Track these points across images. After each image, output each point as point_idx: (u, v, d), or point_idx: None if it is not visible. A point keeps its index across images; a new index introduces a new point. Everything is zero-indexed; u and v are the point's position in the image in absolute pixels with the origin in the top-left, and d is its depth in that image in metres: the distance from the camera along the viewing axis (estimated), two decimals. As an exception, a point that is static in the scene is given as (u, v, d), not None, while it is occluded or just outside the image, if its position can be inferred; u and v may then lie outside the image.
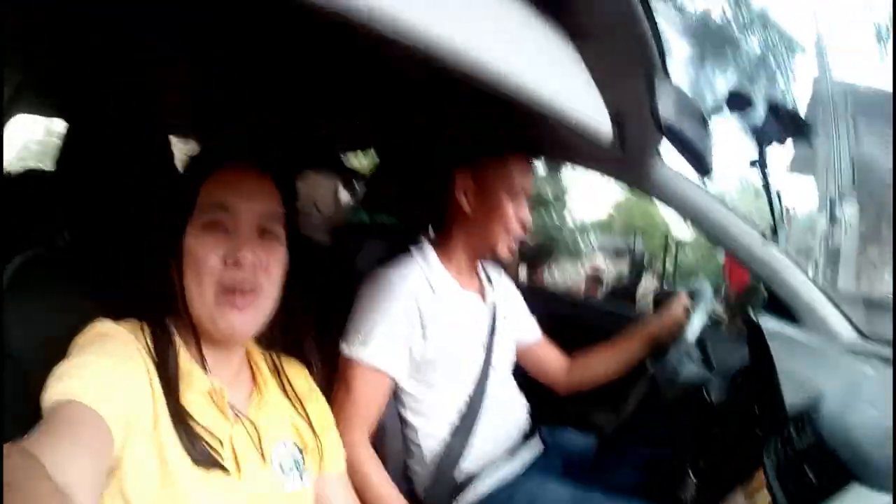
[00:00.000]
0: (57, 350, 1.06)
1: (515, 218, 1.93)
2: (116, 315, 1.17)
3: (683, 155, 1.67)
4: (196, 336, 1.22)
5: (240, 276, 1.18)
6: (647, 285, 10.13)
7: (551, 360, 2.33)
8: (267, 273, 1.22)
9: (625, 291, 8.94)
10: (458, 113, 1.64)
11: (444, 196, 1.98)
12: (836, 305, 2.34)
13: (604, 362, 2.25)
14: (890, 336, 2.30)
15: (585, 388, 2.29)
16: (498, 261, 2.07)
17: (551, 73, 1.00)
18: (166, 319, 1.22)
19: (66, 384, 0.98)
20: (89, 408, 0.96)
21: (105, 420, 0.97)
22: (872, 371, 1.81)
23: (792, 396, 1.59)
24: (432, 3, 0.78)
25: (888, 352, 2.10)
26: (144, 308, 1.21)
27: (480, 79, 0.86)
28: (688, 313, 1.93)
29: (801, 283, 2.33)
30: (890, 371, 1.84)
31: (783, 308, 2.34)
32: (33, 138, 16.93)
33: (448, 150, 2.02)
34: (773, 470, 1.36)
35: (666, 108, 1.30)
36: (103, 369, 1.03)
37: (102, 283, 1.27)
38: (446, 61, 0.80)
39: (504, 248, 1.96)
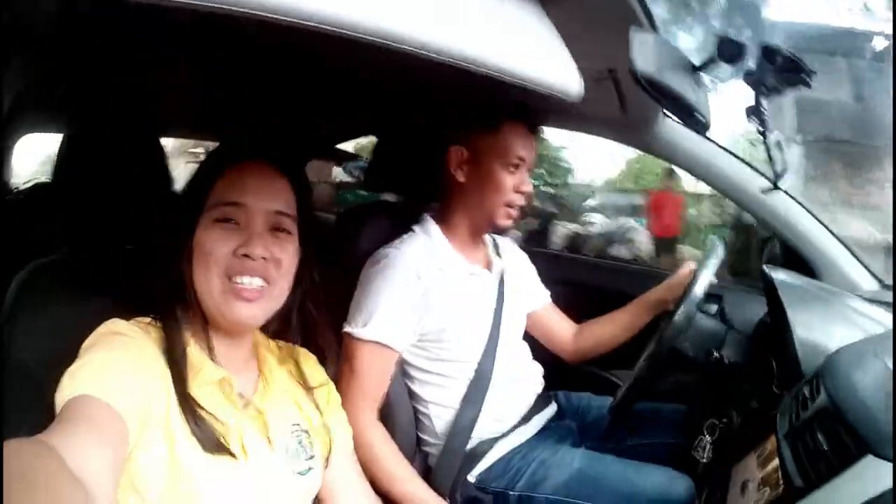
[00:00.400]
0: (67, 354, 1.07)
1: (512, 187, 1.91)
2: (127, 315, 1.18)
3: (671, 110, 1.61)
4: (205, 327, 1.25)
5: (248, 267, 1.20)
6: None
7: (558, 326, 2.34)
8: (278, 267, 1.24)
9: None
10: (447, 87, 1.60)
11: (442, 172, 1.97)
12: (854, 255, 2.27)
13: (609, 328, 2.26)
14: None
15: (593, 356, 2.30)
16: (500, 231, 2.04)
17: (495, 36, 0.96)
18: (177, 312, 1.23)
19: (79, 381, 0.99)
20: (103, 402, 0.98)
21: (119, 413, 0.98)
22: (892, 321, 1.74)
23: (807, 354, 1.55)
24: None
25: None
26: (155, 302, 1.23)
27: (414, 53, 0.83)
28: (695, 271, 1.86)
29: (818, 233, 2.26)
30: None
31: (801, 260, 2.29)
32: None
33: (441, 126, 2.00)
34: (785, 433, 1.31)
35: (645, 61, 1.22)
36: (116, 365, 1.05)
37: (111, 283, 1.29)
38: (376, 42, 0.79)
39: (503, 218, 1.94)
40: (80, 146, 1.65)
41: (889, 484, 0.97)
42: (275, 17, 0.69)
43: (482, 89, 1.16)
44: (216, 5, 0.66)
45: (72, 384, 0.99)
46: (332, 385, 1.50)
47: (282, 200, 1.26)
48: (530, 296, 2.30)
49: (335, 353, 1.54)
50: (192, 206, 1.22)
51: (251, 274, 1.20)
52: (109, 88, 1.97)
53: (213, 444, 1.14)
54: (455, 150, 1.94)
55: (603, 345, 2.26)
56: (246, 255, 1.19)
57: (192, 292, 1.22)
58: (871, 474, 1.01)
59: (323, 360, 1.50)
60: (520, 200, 1.94)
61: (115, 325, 1.14)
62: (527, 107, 1.92)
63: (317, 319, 1.43)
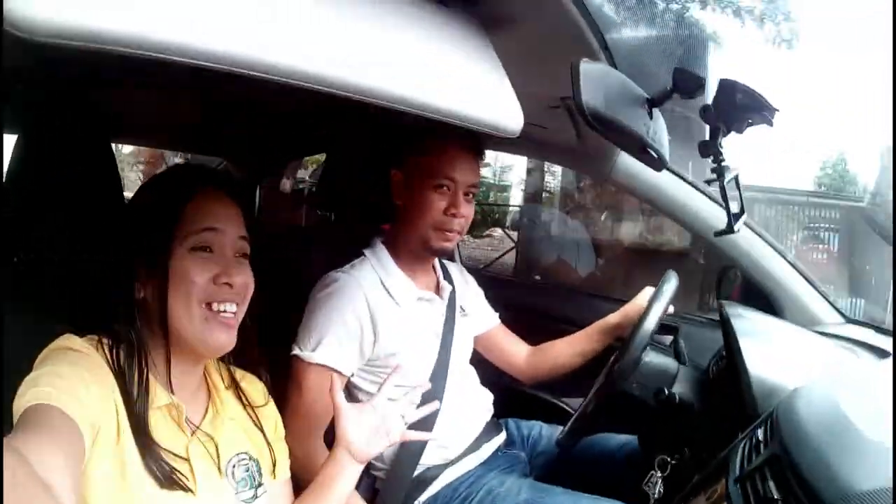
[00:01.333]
0: (15, 365, 1.07)
1: (440, 209, 1.88)
2: (79, 331, 1.19)
3: (621, 146, 1.57)
4: (167, 352, 1.25)
5: (228, 294, 1.24)
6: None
7: (510, 347, 2.34)
8: (246, 291, 1.29)
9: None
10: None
11: (386, 194, 1.97)
12: (817, 288, 2.26)
13: (564, 351, 2.24)
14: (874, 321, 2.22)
15: (548, 378, 2.29)
16: (437, 253, 2.00)
17: (430, 76, 0.98)
18: (134, 334, 1.22)
19: (39, 390, 1.00)
20: (63, 411, 0.99)
21: (76, 423, 0.99)
22: (856, 359, 1.73)
23: (762, 394, 1.54)
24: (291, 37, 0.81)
25: (876, 338, 2.00)
26: (110, 323, 1.22)
27: (345, 96, 0.86)
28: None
29: (779, 266, 2.25)
30: (877, 361, 1.77)
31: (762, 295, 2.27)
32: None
33: (384, 150, 2.00)
34: (735, 478, 1.27)
35: (590, 93, 1.18)
36: (73, 378, 1.05)
37: (63, 295, 1.31)
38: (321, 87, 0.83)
39: (437, 241, 1.91)
40: (32, 147, 1.63)
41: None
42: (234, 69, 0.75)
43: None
44: (199, 62, 0.72)
45: (30, 393, 1.00)
46: (276, 411, 1.51)
47: (242, 226, 1.30)
48: (480, 318, 2.29)
49: (266, 371, 1.53)
50: (163, 232, 1.22)
51: (231, 301, 1.24)
52: (64, 88, 1.94)
53: (165, 477, 1.15)
54: (395, 173, 1.94)
55: (558, 368, 2.25)
56: (227, 284, 1.23)
57: (163, 319, 1.22)
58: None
59: (262, 380, 1.51)
60: (449, 223, 1.89)
61: (69, 340, 1.15)
62: (460, 129, 1.89)
63: (250, 339, 1.42)
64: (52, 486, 0.83)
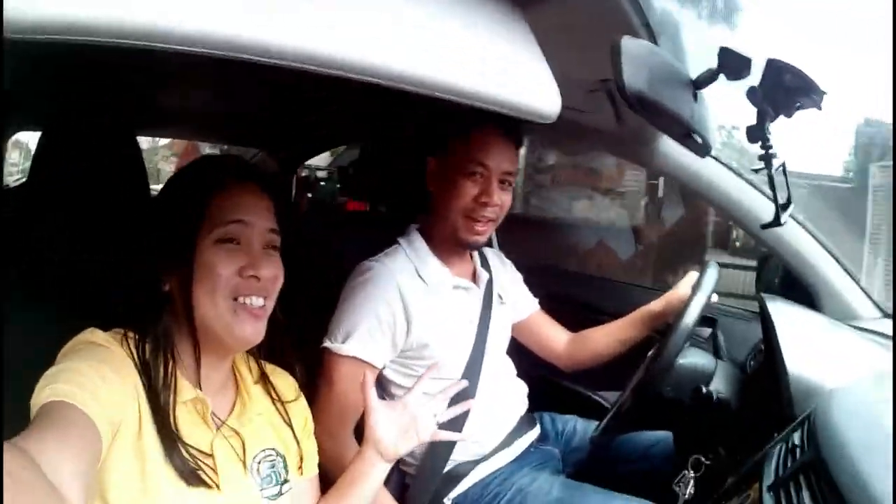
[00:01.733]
0: (40, 361, 1.07)
1: (470, 196, 1.84)
2: (104, 325, 1.18)
3: (664, 130, 1.51)
4: (195, 346, 1.25)
5: (255, 287, 1.23)
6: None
7: (550, 333, 2.30)
8: (275, 284, 1.28)
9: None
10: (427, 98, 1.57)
11: (422, 182, 1.94)
12: (857, 281, 2.19)
13: (604, 339, 2.20)
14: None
15: (588, 366, 2.25)
16: (468, 246, 1.97)
17: (468, 63, 0.94)
18: (160, 329, 1.22)
19: (56, 387, 0.99)
20: (79, 409, 0.98)
21: (94, 421, 0.98)
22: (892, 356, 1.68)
23: (800, 394, 1.51)
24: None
25: None
26: (137, 318, 1.22)
27: (382, 83, 0.84)
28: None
29: (820, 258, 2.17)
30: None
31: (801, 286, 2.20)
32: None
33: (421, 137, 1.99)
34: (770, 484, 1.24)
35: (634, 75, 1.12)
36: (92, 374, 1.04)
37: (88, 291, 1.31)
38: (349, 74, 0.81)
39: (465, 232, 1.88)
40: (56, 142, 1.64)
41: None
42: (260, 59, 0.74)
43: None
44: (217, 53, 0.71)
45: (48, 389, 0.99)
46: (306, 406, 1.49)
47: (271, 218, 1.29)
48: (519, 305, 2.26)
49: (299, 366, 1.51)
50: (190, 224, 1.21)
51: (257, 294, 1.23)
52: (87, 84, 1.94)
53: (188, 473, 1.14)
54: (430, 161, 1.92)
55: (598, 356, 2.21)
56: (253, 277, 1.22)
57: (189, 312, 1.21)
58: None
59: (294, 376, 1.50)
60: (480, 211, 1.85)
61: (92, 334, 1.14)
62: (495, 114, 1.86)
63: (283, 334, 1.41)
64: (60, 489, 0.83)
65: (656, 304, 2.11)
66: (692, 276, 2.05)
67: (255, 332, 1.23)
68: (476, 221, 1.86)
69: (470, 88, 0.92)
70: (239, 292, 1.21)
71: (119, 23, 0.65)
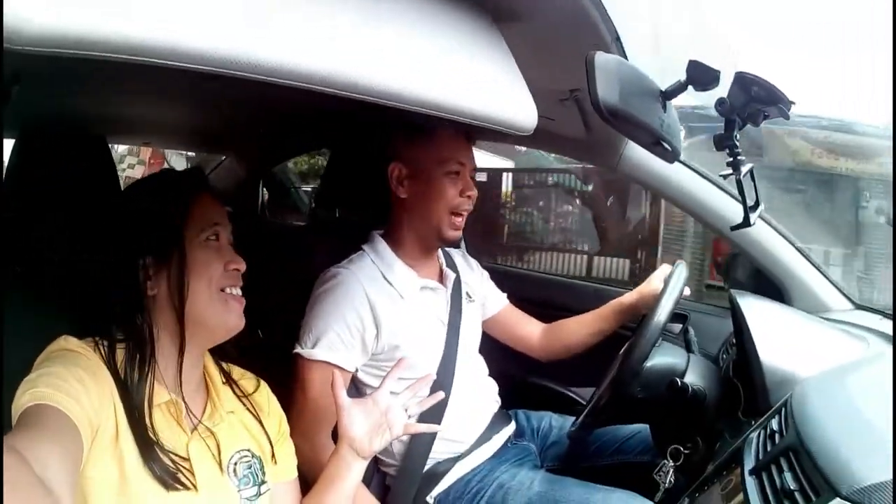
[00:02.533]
0: (16, 367, 1.07)
1: (455, 193, 1.91)
2: (78, 333, 1.20)
3: (634, 139, 1.56)
4: (180, 345, 1.27)
5: (237, 278, 1.33)
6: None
7: (522, 326, 2.34)
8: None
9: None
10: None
11: (385, 190, 1.97)
12: (825, 274, 2.25)
13: (577, 330, 2.24)
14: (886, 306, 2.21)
15: (562, 356, 2.28)
16: (448, 242, 2.02)
17: (446, 78, 0.97)
18: (143, 333, 1.25)
19: (38, 390, 1.01)
20: (61, 411, 0.99)
21: (75, 423, 1.00)
22: (867, 347, 1.73)
23: (775, 382, 1.54)
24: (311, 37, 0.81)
25: (884, 324, 2.00)
26: (119, 323, 1.24)
27: (370, 99, 0.87)
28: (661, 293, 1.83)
29: (787, 253, 2.23)
30: (887, 349, 1.75)
31: (771, 282, 2.26)
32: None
33: (381, 144, 1.99)
34: (751, 468, 1.28)
35: (606, 88, 1.18)
36: (70, 378, 1.06)
37: (65, 297, 1.33)
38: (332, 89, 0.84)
39: (448, 228, 1.93)
40: (30, 149, 1.65)
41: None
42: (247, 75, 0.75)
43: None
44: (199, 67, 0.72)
45: (29, 394, 1.00)
46: (279, 410, 1.51)
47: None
48: (488, 301, 2.30)
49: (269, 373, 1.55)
50: (174, 228, 1.27)
51: (238, 284, 1.33)
52: (60, 91, 1.95)
53: (166, 476, 1.16)
54: (394, 167, 1.93)
55: (572, 347, 2.25)
56: (236, 269, 1.32)
57: (181, 308, 1.25)
58: (840, 519, 0.97)
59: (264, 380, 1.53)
60: (465, 204, 1.93)
61: (66, 342, 1.16)
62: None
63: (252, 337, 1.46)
64: (51, 486, 0.84)
65: (629, 297, 2.15)
66: (664, 268, 2.09)
67: (240, 318, 1.32)
68: (459, 216, 1.92)
69: (453, 104, 0.95)
70: (225, 283, 1.30)
71: (119, 38, 0.67)
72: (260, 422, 1.41)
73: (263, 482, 1.36)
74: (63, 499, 0.86)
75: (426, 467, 1.91)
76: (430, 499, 1.90)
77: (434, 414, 1.86)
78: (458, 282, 2.08)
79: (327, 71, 0.81)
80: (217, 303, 1.28)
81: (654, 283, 2.10)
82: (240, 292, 1.33)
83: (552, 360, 2.31)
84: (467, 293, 2.12)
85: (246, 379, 1.48)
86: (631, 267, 6.01)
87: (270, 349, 1.56)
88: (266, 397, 1.49)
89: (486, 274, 2.35)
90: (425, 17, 1.01)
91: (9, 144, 1.75)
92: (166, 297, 1.25)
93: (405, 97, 0.89)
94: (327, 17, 0.85)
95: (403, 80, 0.89)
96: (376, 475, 1.96)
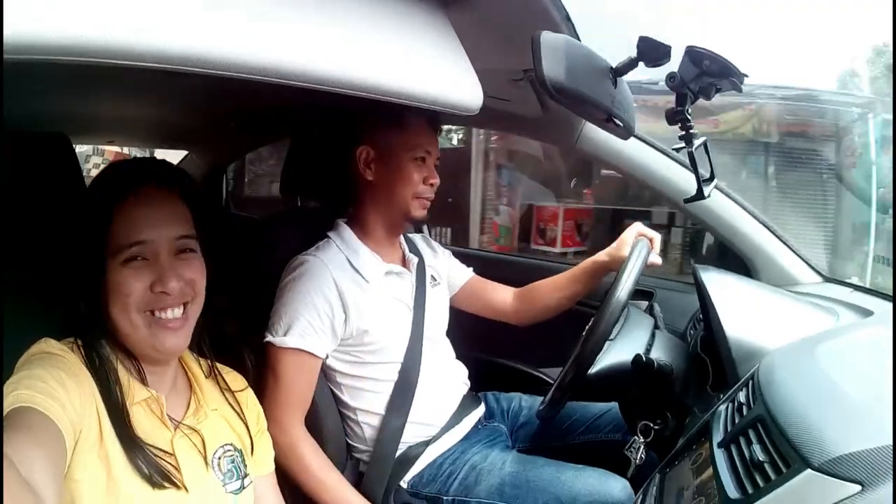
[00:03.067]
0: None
1: (420, 180, 1.94)
2: (56, 335, 1.18)
3: (584, 116, 1.56)
4: (130, 354, 1.24)
5: (168, 302, 1.21)
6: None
7: (494, 293, 2.35)
8: (192, 287, 1.25)
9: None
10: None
11: (350, 173, 1.98)
12: (792, 248, 2.26)
13: (552, 294, 2.25)
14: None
15: (539, 319, 2.28)
16: (414, 222, 2.08)
17: (392, 62, 0.98)
18: (102, 339, 1.22)
19: (19, 393, 0.99)
20: (44, 413, 0.98)
21: (58, 425, 0.99)
22: (836, 319, 1.73)
23: (741, 356, 1.54)
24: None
25: (854, 297, 2.01)
26: (78, 328, 1.22)
27: (311, 86, 0.86)
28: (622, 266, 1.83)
29: (752, 228, 2.25)
30: (858, 319, 1.75)
31: (737, 258, 2.28)
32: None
33: (347, 128, 1.99)
34: (720, 441, 1.28)
35: (552, 66, 1.17)
36: (52, 380, 1.05)
37: (37, 300, 1.30)
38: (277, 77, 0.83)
39: (416, 210, 1.96)
40: None
41: (829, 499, 0.93)
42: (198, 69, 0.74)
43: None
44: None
45: (11, 396, 0.99)
46: (257, 402, 1.51)
47: (181, 223, 1.25)
48: (453, 276, 2.32)
49: (251, 358, 1.54)
50: (94, 249, 1.19)
51: (171, 306, 1.21)
52: (19, 88, 1.91)
53: (152, 473, 1.15)
54: (362, 150, 1.94)
55: (548, 310, 2.26)
56: (163, 292, 1.20)
57: (113, 328, 1.21)
58: (810, 489, 0.97)
59: (244, 371, 1.51)
60: (428, 192, 1.96)
61: (47, 344, 1.15)
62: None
63: (230, 329, 1.46)
64: (37, 488, 0.84)
65: (601, 255, 2.14)
66: (636, 226, 2.08)
67: (176, 342, 1.23)
68: (425, 199, 1.95)
69: (396, 87, 0.95)
70: (153, 306, 1.20)
71: (110, 43, 0.67)
72: (241, 415, 1.41)
73: (246, 475, 1.36)
74: (49, 501, 0.86)
75: (398, 452, 1.92)
76: (403, 483, 1.91)
77: (403, 398, 1.89)
78: (421, 265, 2.10)
79: (273, 62, 0.81)
80: (142, 328, 1.20)
81: (625, 238, 2.09)
82: (177, 313, 1.23)
83: (528, 323, 2.30)
84: (432, 276, 2.14)
85: (233, 376, 1.47)
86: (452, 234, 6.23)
87: (239, 341, 1.51)
88: (250, 397, 1.49)
89: (449, 252, 2.36)
90: (372, 5, 1.00)
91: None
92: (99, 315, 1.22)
93: (347, 83, 0.89)
94: (264, 8, 0.84)
95: (346, 67, 0.89)
96: (349, 461, 1.97)
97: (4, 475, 0.78)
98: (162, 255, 1.21)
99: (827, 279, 2.26)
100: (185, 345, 1.26)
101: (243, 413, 1.42)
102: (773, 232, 2.25)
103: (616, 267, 2.01)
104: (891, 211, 5.18)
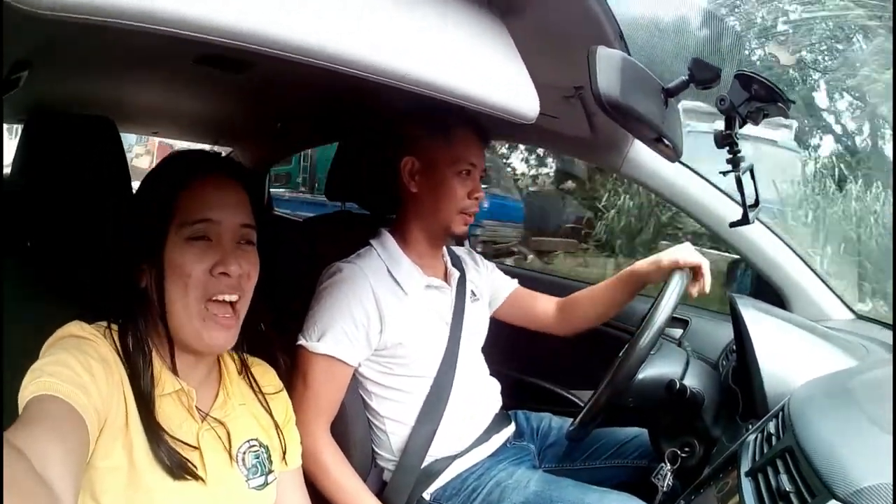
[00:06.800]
0: (26, 354, 1.08)
1: (464, 194, 1.91)
2: (87, 318, 1.18)
3: (636, 135, 1.56)
4: (170, 344, 1.23)
5: (226, 284, 1.22)
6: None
7: (537, 305, 2.32)
8: (248, 280, 1.26)
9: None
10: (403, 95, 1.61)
11: (395, 183, 1.97)
12: (826, 283, 2.24)
13: (592, 301, 2.22)
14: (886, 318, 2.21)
15: (581, 329, 2.25)
16: (456, 237, 2.05)
17: (452, 62, 0.98)
18: (139, 323, 1.22)
19: (43, 380, 0.99)
20: (67, 402, 0.98)
21: (81, 414, 0.99)
22: (866, 354, 1.71)
23: (773, 387, 1.53)
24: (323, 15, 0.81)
25: (884, 334, 1.99)
26: (115, 312, 1.22)
27: (372, 80, 0.86)
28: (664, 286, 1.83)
29: (788, 260, 2.23)
30: (886, 356, 1.74)
31: (770, 285, 2.26)
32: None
33: (395, 137, 1.98)
34: (747, 470, 1.27)
35: (608, 81, 1.18)
36: (79, 367, 1.05)
37: (72, 283, 1.31)
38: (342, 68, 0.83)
39: (458, 225, 1.94)
40: (37, 132, 1.64)
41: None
42: (264, 49, 0.74)
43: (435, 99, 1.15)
44: (203, 36, 0.70)
45: (35, 383, 0.99)
46: (287, 399, 1.50)
47: (244, 212, 1.27)
48: (497, 288, 2.30)
49: (285, 359, 1.53)
50: (158, 223, 1.20)
51: (229, 292, 1.22)
52: (71, 74, 1.94)
53: (176, 466, 1.15)
54: (407, 160, 1.93)
55: (589, 320, 2.23)
56: (224, 274, 1.20)
57: (162, 310, 1.21)
58: (835, 522, 0.97)
59: (277, 369, 1.51)
60: (473, 206, 1.94)
61: (76, 327, 1.14)
62: (471, 115, 1.88)
63: (267, 328, 1.43)
64: (52, 483, 0.83)
65: (642, 264, 2.09)
66: (684, 246, 2.02)
67: (225, 339, 1.24)
68: (468, 215, 1.93)
69: (456, 87, 0.96)
70: (211, 293, 1.20)
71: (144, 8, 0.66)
72: (269, 410, 1.41)
73: (271, 471, 1.35)
74: (64, 495, 0.84)
75: (424, 464, 1.90)
76: (426, 495, 1.90)
77: (433, 412, 1.88)
78: (462, 280, 2.08)
79: (338, 50, 0.81)
80: (195, 317, 1.20)
81: (673, 253, 2.01)
82: (234, 298, 1.23)
83: (571, 333, 2.27)
84: (472, 291, 2.12)
85: (267, 376, 1.47)
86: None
87: (274, 342, 1.50)
88: (283, 400, 1.49)
89: (492, 265, 2.35)
90: (436, 8, 1.01)
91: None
92: (152, 295, 1.22)
93: (410, 79, 0.89)
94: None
95: (410, 62, 0.89)
96: (374, 469, 1.97)
97: (18, 470, 0.79)
98: (225, 238, 1.23)
99: (859, 316, 2.24)
100: (232, 342, 1.26)
101: (271, 408, 1.42)
102: (808, 266, 2.24)
103: (656, 278, 2.01)
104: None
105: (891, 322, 2.14)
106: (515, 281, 2.35)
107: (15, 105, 2.09)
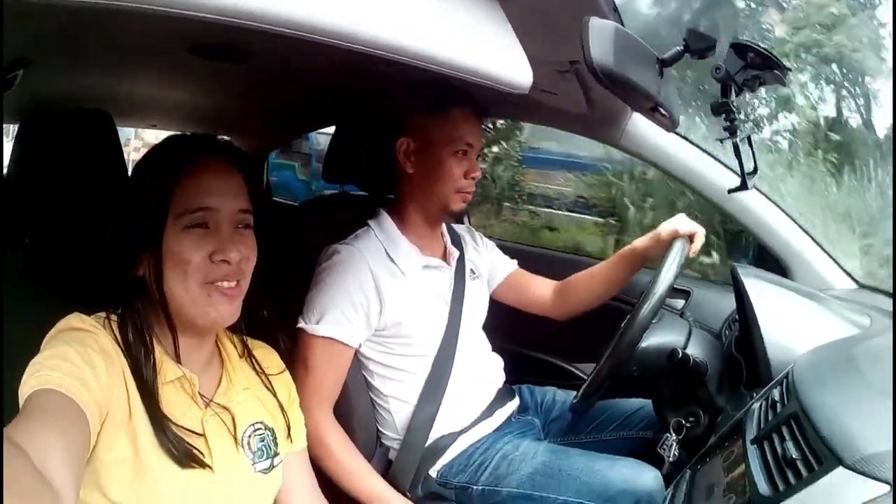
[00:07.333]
0: (26, 347, 1.07)
1: (461, 174, 1.91)
2: (87, 310, 1.18)
3: (631, 105, 1.56)
4: (171, 327, 1.23)
5: (226, 271, 1.21)
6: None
7: (534, 287, 2.32)
8: (247, 263, 1.26)
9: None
10: (398, 75, 1.60)
11: (392, 164, 1.96)
12: (828, 253, 2.25)
13: (590, 283, 2.21)
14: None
15: (579, 312, 2.24)
16: (455, 215, 2.02)
17: (442, 32, 0.96)
18: (139, 310, 1.22)
19: (43, 374, 0.99)
20: (67, 396, 0.97)
21: (82, 408, 0.98)
22: (870, 323, 1.72)
23: (777, 354, 1.54)
24: None
25: (888, 303, 2.00)
26: (111, 302, 1.22)
27: (362, 51, 0.85)
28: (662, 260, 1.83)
29: (790, 230, 2.24)
30: (890, 324, 1.73)
31: (773, 256, 2.27)
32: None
33: (390, 117, 1.98)
34: (752, 438, 1.27)
35: (602, 51, 1.17)
36: (79, 360, 1.04)
37: (70, 276, 1.32)
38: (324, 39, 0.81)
39: (456, 203, 1.93)
40: (34, 126, 1.64)
41: (860, 498, 0.93)
42: (241, 21, 0.71)
43: (429, 77, 1.15)
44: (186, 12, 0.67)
45: (35, 377, 0.99)
46: (290, 380, 1.50)
47: (242, 197, 1.26)
48: (495, 268, 2.30)
49: (286, 341, 1.53)
50: (156, 213, 1.19)
51: (229, 278, 1.22)
52: (66, 69, 1.94)
53: (180, 454, 1.15)
54: (402, 141, 1.92)
55: (587, 303, 2.22)
56: (223, 261, 1.20)
57: (162, 297, 1.21)
58: (841, 487, 0.97)
59: (279, 351, 1.51)
60: (470, 186, 1.93)
61: (76, 319, 1.14)
62: (470, 93, 1.90)
63: (266, 310, 1.43)
64: (52, 479, 0.83)
65: (640, 242, 2.08)
66: (680, 217, 2.01)
67: (230, 312, 1.23)
68: (466, 193, 1.93)
69: (450, 59, 0.95)
70: (210, 277, 1.20)
71: None
72: (273, 391, 1.41)
73: (276, 454, 1.36)
74: (64, 491, 0.84)
75: (428, 442, 1.91)
76: (432, 472, 1.91)
77: (435, 389, 1.89)
78: (461, 259, 2.08)
79: (327, 22, 0.80)
80: (198, 297, 1.19)
81: (666, 227, 2.01)
82: (233, 284, 1.23)
83: (567, 317, 2.27)
84: (471, 270, 2.13)
85: (269, 358, 1.47)
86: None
87: (274, 325, 1.50)
88: (287, 379, 1.49)
89: (492, 244, 2.34)
90: None
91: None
92: (151, 283, 1.21)
93: (399, 49, 0.88)
94: None
95: (399, 33, 0.88)
96: (379, 449, 1.98)
97: (17, 466, 0.79)
98: (224, 225, 1.22)
99: (861, 285, 2.25)
100: (237, 314, 1.25)
101: (275, 389, 1.42)
102: (809, 236, 2.25)
103: (654, 255, 2.01)
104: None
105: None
106: (514, 262, 2.35)
107: (11, 102, 2.09)
